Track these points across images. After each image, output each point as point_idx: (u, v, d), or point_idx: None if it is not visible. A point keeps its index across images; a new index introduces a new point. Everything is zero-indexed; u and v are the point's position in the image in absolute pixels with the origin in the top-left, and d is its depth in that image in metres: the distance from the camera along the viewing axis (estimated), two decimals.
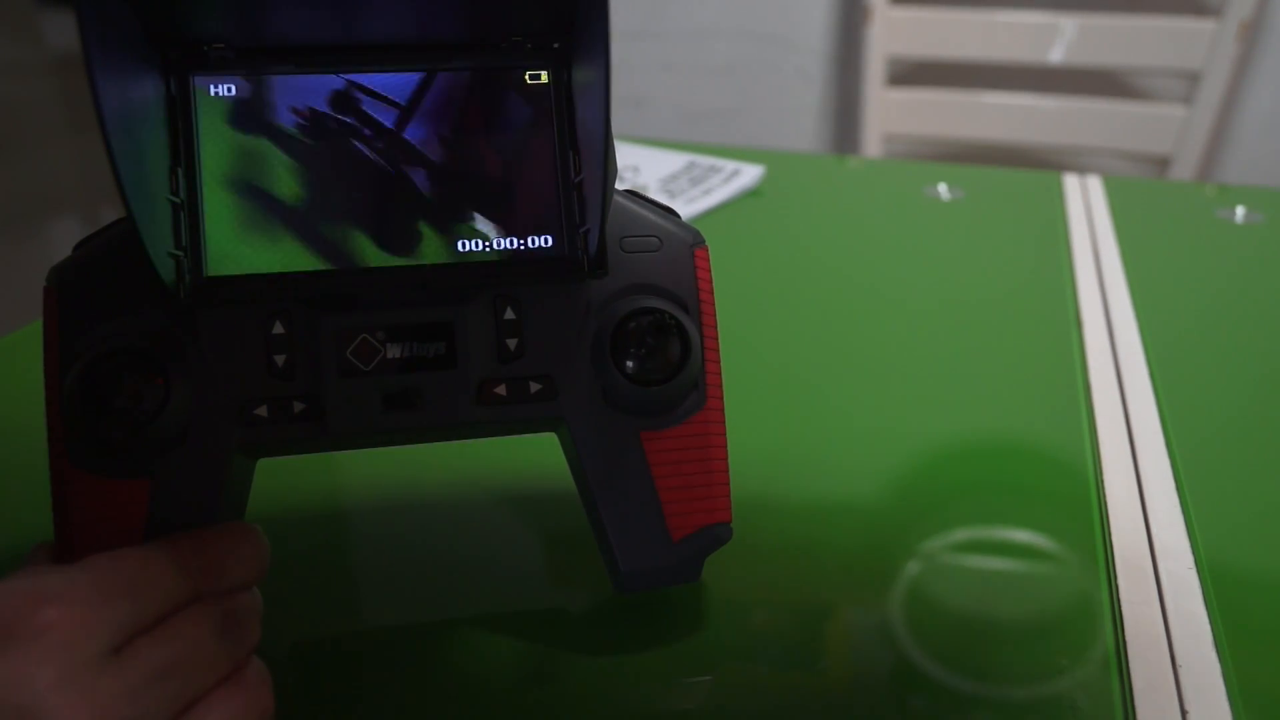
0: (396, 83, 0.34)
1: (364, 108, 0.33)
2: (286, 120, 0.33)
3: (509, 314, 0.34)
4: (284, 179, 0.33)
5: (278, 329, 0.32)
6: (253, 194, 0.32)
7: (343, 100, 0.33)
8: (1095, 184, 0.91)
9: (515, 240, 0.34)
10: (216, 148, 0.32)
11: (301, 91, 0.33)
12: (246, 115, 0.33)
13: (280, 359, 0.32)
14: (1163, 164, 1.39)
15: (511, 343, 0.34)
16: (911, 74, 1.55)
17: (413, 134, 0.34)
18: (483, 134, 0.34)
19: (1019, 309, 0.66)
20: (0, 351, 0.60)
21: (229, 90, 0.33)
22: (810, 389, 0.56)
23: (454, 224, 0.34)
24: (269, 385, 0.32)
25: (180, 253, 0.31)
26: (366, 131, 0.33)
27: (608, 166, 0.31)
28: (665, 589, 0.38)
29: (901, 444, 0.50)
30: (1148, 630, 0.38)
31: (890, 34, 1.43)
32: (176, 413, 0.31)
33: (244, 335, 0.32)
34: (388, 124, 0.34)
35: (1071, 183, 0.91)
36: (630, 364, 0.34)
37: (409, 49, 0.34)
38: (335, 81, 0.33)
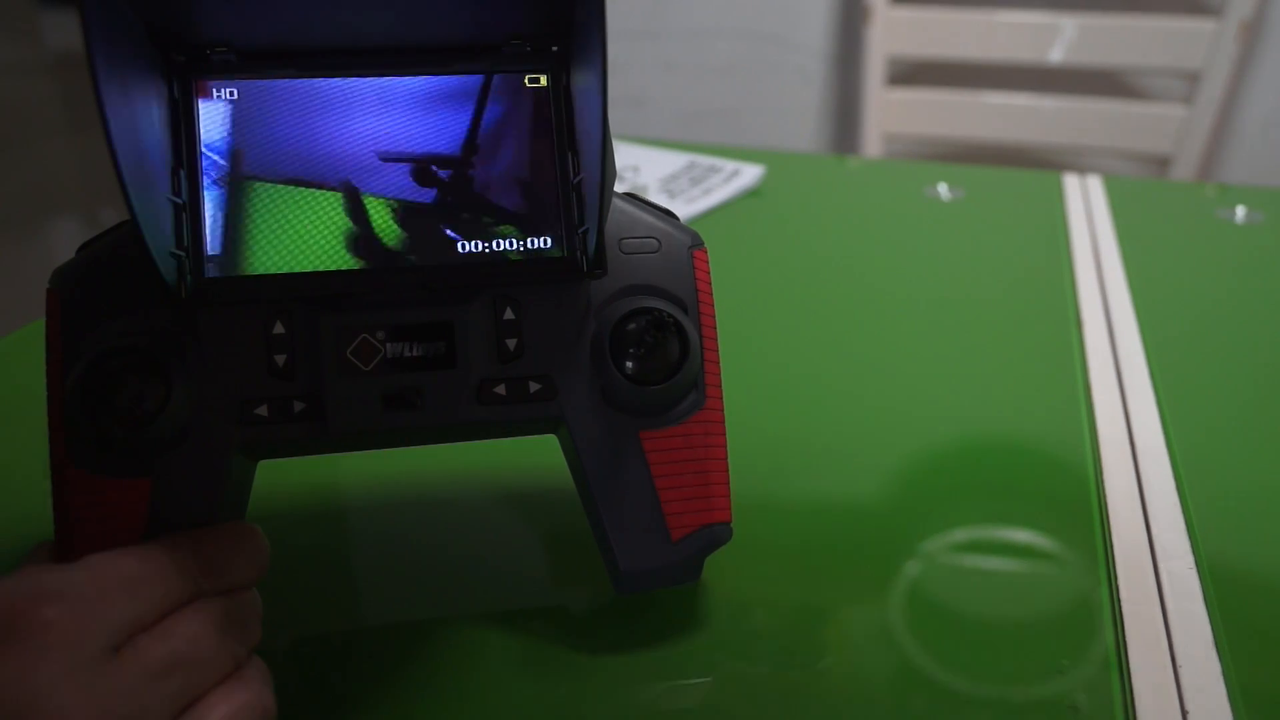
0: (397, 86, 0.34)
1: (364, 110, 0.33)
2: (287, 123, 0.33)
3: (508, 314, 0.34)
4: (284, 180, 0.33)
5: (278, 329, 0.32)
6: (253, 195, 0.32)
7: (343, 104, 0.33)
8: (1095, 184, 0.91)
9: (514, 241, 0.34)
10: (218, 150, 0.32)
11: (302, 95, 0.33)
12: (248, 118, 0.33)
13: (280, 359, 0.32)
14: (1163, 164, 1.39)
15: (511, 343, 0.34)
16: (911, 74, 1.55)
17: (413, 136, 0.34)
18: (482, 135, 0.34)
19: (1019, 309, 0.66)
20: (0, 351, 0.60)
21: (231, 94, 0.33)
22: (810, 389, 0.56)
23: (454, 225, 0.34)
24: (269, 385, 0.32)
25: (181, 253, 0.32)
26: (367, 134, 0.33)
27: (606, 167, 0.31)
28: (665, 589, 0.38)
29: (901, 444, 0.51)
30: (1148, 630, 0.38)
31: (890, 34, 1.43)
32: (177, 412, 0.31)
33: (244, 335, 0.32)
34: (388, 126, 0.34)
35: (1071, 183, 0.91)
36: (629, 364, 0.34)
37: (410, 52, 0.34)
38: (336, 85, 0.33)
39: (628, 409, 0.35)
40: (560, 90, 0.35)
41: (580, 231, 0.34)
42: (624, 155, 0.93)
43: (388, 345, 0.33)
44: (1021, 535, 0.44)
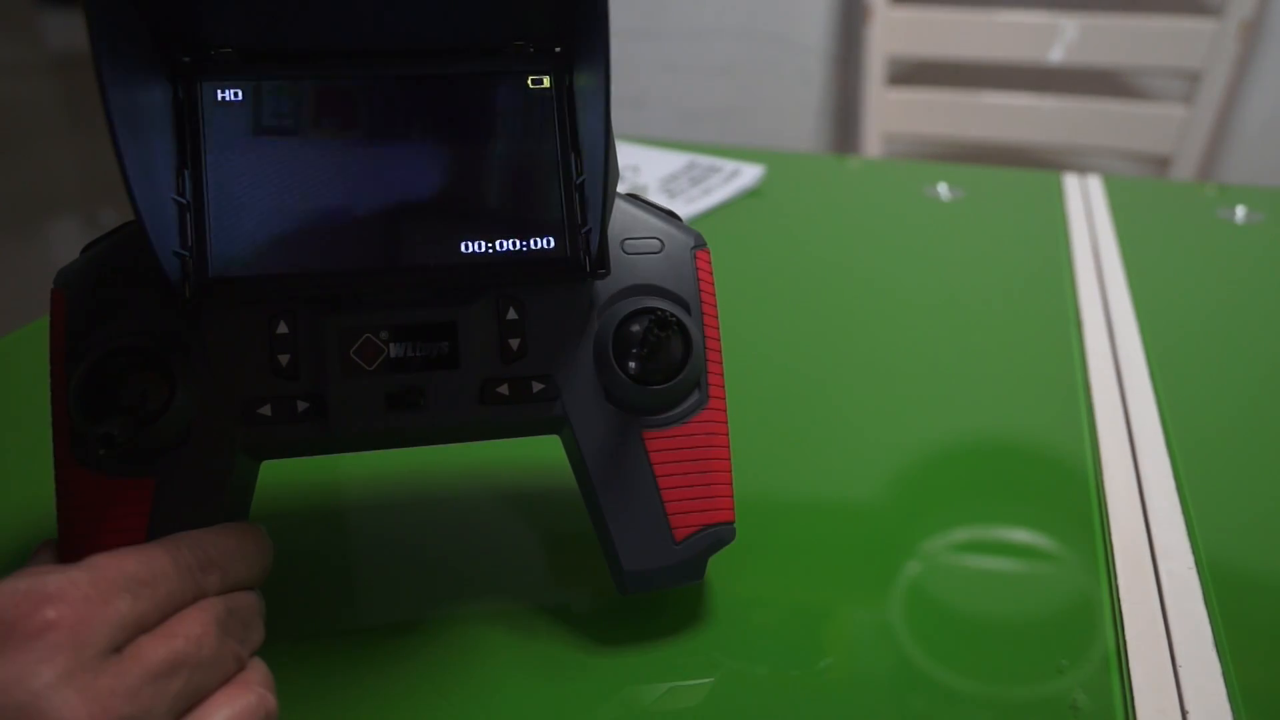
0: (402, 87, 0.34)
1: (369, 111, 0.33)
2: (291, 124, 0.33)
3: (511, 314, 0.34)
4: (288, 181, 0.33)
5: (282, 329, 0.32)
6: (257, 195, 0.32)
7: (347, 104, 0.33)
8: (1095, 184, 0.91)
9: (518, 241, 0.34)
10: (222, 150, 0.32)
11: (307, 95, 0.33)
12: (252, 118, 0.33)
13: (284, 358, 0.32)
14: (1163, 164, 1.39)
15: (514, 343, 0.34)
16: (911, 74, 1.55)
17: (417, 137, 0.34)
18: (486, 137, 0.34)
19: (1019, 309, 0.66)
20: (1, 351, 0.60)
21: (235, 94, 0.33)
22: (811, 389, 0.56)
23: (457, 225, 0.34)
24: (273, 384, 0.32)
25: (186, 253, 0.32)
26: (371, 134, 0.33)
27: (609, 168, 0.31)
28: (667, 589, 0.38)
29: (901, 444, 0.51)
30: (1148, 630, 0.38)
31: (890, 34, 1.43)
32: (181, 412, 0.31)
33: (248, 335, 0.32)
34: (392, 127, 0.34)
35: (1071, 183, 0.91)
36: (632, 364, 0.34)
37: (414, 53, 0.34)
38: (340, 86, 0.33)
39: (631, 409, 0.35)
40: (563, 91, 0.35)
41: (583, 232, 0.34)
42: (624, 155, 0.93)
43: (391, 345, 0.33)
44: (1021, 535, 0.44)
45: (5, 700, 0.23)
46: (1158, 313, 0.65)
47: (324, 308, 0.33)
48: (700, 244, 0.37)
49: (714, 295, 0.37)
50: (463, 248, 0.34)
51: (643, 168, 0.90)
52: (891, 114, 1.47)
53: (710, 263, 0.37)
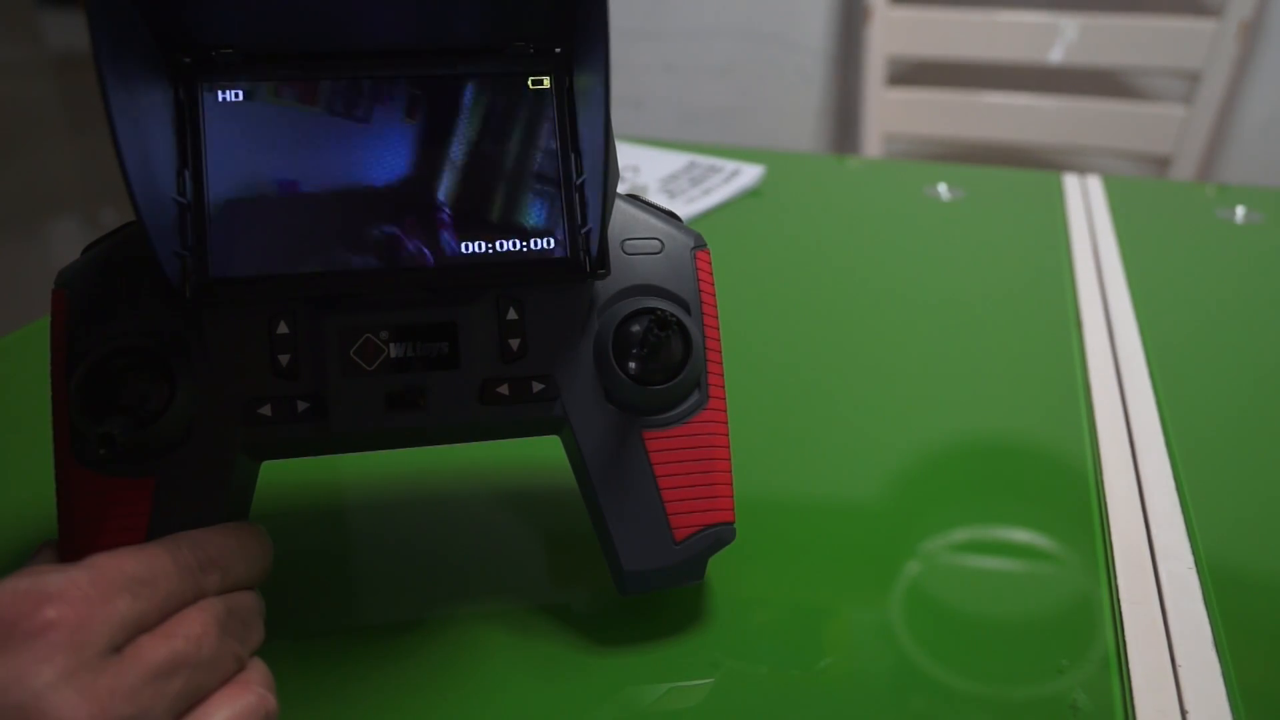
0: (402, 88, 0.34)
1: (369, 112, 0.33)
2: (292, 124, 0.33)
3: (511, 314, 0.34)
4: (288, 181, 0.33)
5: (282, 329, 0.32)
6: (258, 195, 0.32)
7: (348, 105, 0.33)
8: (1095, 184, 0.91)
9: (518, 242, 0.34)
10: (222, 150, 0.32)
11: (307, 96, 0.33)
12: (253, 119, 0.33)
13: (284, 359, 0.32)
14: (1163, 164, 1.39)
15: (514, 343, 0.34)
16: (911, 74, 1.55)
17: (418, 138, 0.34)
18: (486, 137, 0.34)
19: (1019, 309, 0.66)
20: (1, 351, 0.60)
21: (236, 95, 0.33)
22: (811, 389, 0.56)
23: (458, 225, 0.34)
24: (273, 384, 0.32)
25: (186, 253, 0.32)
26: (371, 135, 0.33)
27: (608, 168, 0.31)
28: (667, 589, 0.38)
29: (901, 444, 0.51)
30: (1148, 630, 0.38)
31: (890, 34, 1.43)
32: (181, 412, 0.31)
33: (248, 335, 0.32)
34: (393, 128, 0.34)
35: (1071, 183, 0.91)
36: (632, 364, 0.35)
37: (414, 54, 0.34)
38: (341, 87, 0.33)
39: (631, 409, 0.35)
40: (563, 92, 0.35)
41: (583, 232, 0.34)
42: (624, 155, 0.93)
43: (391, 345, 0.33)
44: (1021, 535, 0.44)
45: (5, 700, 0.23)
46: (1157, 313, 0.65)
47: (324, 308, 0.33)
48: (700, 244, 0.37)
49: (714, 295, 0.37)
50: (463, 248, 0.34)
51: (643, 168, 0.90)
52: (891, 114, 1.47)
53: (710, 263, 0.37)
